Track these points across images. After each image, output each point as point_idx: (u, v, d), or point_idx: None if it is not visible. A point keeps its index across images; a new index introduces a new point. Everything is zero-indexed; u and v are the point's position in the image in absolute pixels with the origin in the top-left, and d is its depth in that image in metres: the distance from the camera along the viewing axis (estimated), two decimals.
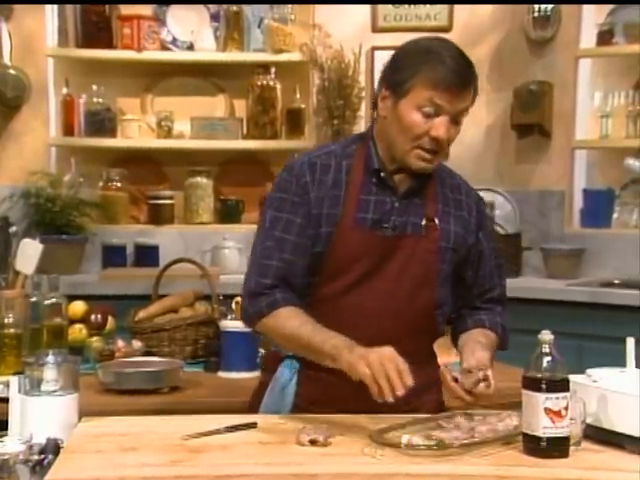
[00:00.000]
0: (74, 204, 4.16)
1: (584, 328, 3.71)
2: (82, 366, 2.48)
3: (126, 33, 4.24)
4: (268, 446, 1.70)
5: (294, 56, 4.33)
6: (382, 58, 4.48)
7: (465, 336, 2.05)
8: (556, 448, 1.61)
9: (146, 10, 4.35)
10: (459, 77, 1.84)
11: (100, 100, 4.29)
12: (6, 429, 1.79)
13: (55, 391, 1.80)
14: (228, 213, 4.43)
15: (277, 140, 4.39)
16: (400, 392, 1.68)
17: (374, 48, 4.43)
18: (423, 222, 1.95)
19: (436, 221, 1.96)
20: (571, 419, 1.63)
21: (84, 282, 3.92)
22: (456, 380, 1.82)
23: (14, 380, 1.84)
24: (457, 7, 4.44)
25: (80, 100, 4.28)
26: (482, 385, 1.82)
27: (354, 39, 4.32)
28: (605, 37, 4.15)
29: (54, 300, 2.67)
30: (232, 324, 2.61)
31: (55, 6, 4.27)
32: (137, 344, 2.74)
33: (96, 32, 4.24)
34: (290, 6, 4.33)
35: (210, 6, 4.41)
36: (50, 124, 4.31)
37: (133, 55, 4.26)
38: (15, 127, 4.28)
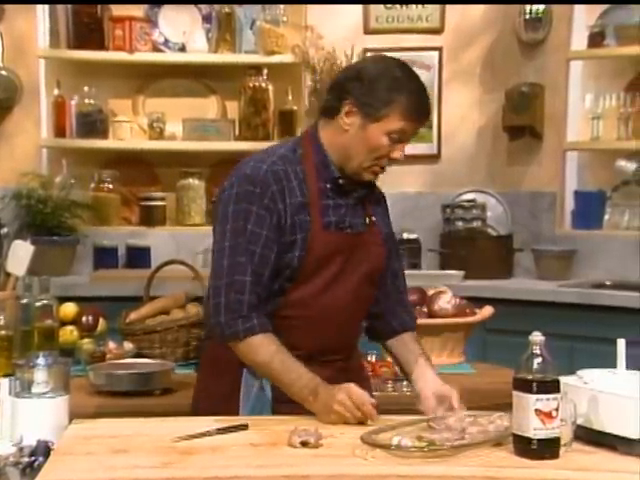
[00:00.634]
0: (65, 205, 4.15)
1: (575, 329, 3.72)
2: (73, 368, 2.48)
3: (118, 34, 4.23)
4: (259, 448, 1.70)
5: (286, 58, 4.34)
6: None
7: (401, 347, 2.15)
8: (547, 449, 1.61)
9: (138, 11, 4.35)
10: (426, 108, 2.00)
11: (92, 101, 4.28)
12: None
13: (46, 393, 1.79)
14: None
15: (269, 142, 4.37)
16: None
17: (366, 50, 4.43)
18: (366, 220, 2.08)
19: (374, 219, 2.10)
20: (562, 420, 1.63)
21: (75, 284, 3.92)
22: None
23: (4, 382, 1.84)
24: (449, 9, 4.45)
25: (72, 101, 4.27)
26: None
27: (346, 41, 4.33)
28: (596, 39, 4.16)
29: (45, 302, 2.66)
30: None
31: (47, 7, 4.27)
32: (128, 346, 2.74)
33: (88, 33, 4.24)
34: (282, 8, 4.34)
35: (202, 7, 4.41)
36: (41, 125, 4.30)
37: (125, 56, 4.26)
38: (6, 128, 4.27)
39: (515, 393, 1.64)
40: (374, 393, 2.18)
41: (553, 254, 4.21)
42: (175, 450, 1.67)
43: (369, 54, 4.41)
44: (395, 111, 1.93)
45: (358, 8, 4.47)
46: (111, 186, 4.36)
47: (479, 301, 3.12)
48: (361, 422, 1.84)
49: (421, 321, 2.75)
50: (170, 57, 4.37)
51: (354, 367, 2.12)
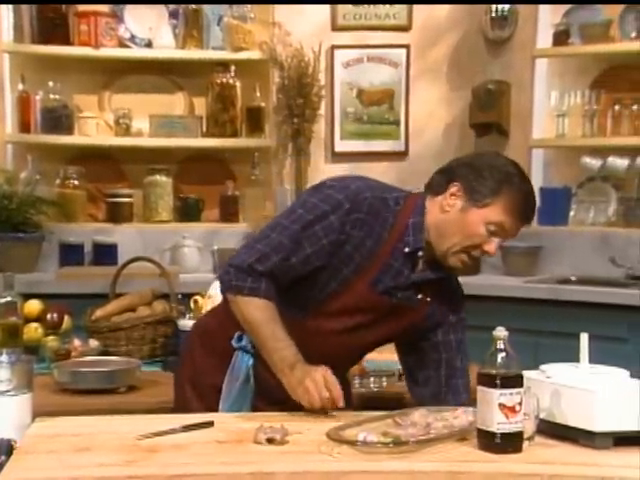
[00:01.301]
0: (31, 202, 4.11)
1: (541, 325, 3.76)
2: (37, 366, 2.47)
3: (83, 29, 4.19)
4: (225, 445, 1.70)
5: (254, 54, 4.33)
6: (342, 56, 4.56)
7: None
8: (510, 443, 1.63)
9: (103, 6, 4.30)
10: (531, 211, 1.99)
11: (57, 97, 4.24)
12: None
13: (8, 391, 1.78)
14: (187, 212, 4.41)
15: (237, 138, 4.38)
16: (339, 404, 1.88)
17: (334, 47, 4.44)
18: (419, 297, 2.04)
19: (428, 300, 2.05)
20: (525, 414, 1.64)
21: (41, 281, 3.88)
22: None
23: None
24: (416, 7, 4.46)
25: (36, 97, 4.23)
26: None
27: (314, 37, 4.33)
28: (561, 37, 4.21)
29: (9, 299, 2.64)
30: (190, 323, 2.59)
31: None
32: (94, 343, 2.72)
33: (52, 28, 4.19)
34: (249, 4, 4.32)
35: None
36: (6, 121, 4.25)
37: (90, 52, 4.22)
38: None
39: (479, 388, 1.65)
40: None
41: (519, 250, 4.24)
42: (139, 448, 1.66)
43: (336, 51, 4.44)
44: (500, 202, 1.92)
45: (326, 5, 4.47)
46: (77, 182, 4.32)
47: None
48: (322, 409, 1.86)
49: None
50: (136, 53, 4.34)
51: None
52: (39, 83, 4.23)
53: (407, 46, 4.47)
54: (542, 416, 1.70)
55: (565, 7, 4.28)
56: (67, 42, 4.23)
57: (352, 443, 1.65)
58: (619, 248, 4.05)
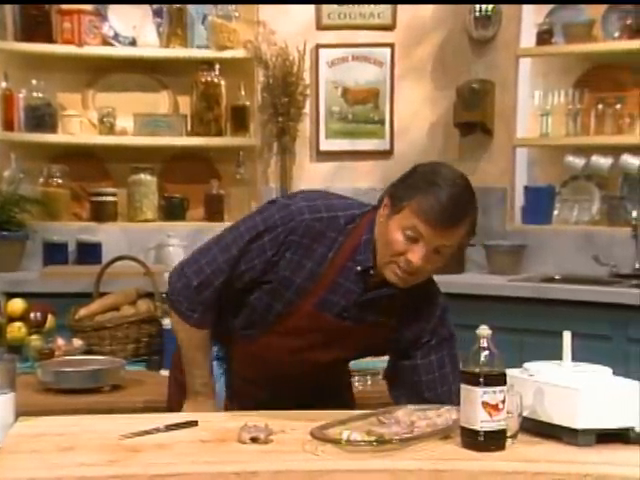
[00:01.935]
0: (14, 200, 4.09)
1: (526, 323, 3.77)
2: (21, 365, 2.45)
3: (66, 27, 4.17)
4: (208, 444, 1.69)
5: (238, 53, 4.32)
6: (327, 55, 4.55)
7: None
8: (493, 441, 1.63)
9: (87, 5, 4.28)
10: (446, 216, 1.84)
11: (40, 95, 4.21)
12: None
13: None
14: (172, 211, 4.40)
15: (222, 137, 4.37)
16: None
17: (319, 46, 4.44)
18: (379, 318, 1.99)
19: (392, 322, 2.00)
20: (508, 412, 1.65)
21: (24, 279, 3.86)
22: None
23: None
24: (400, 6, 4.47)
25: (19, 95, 4.20)
26: None
27: (298, 36, 4.33)
28: (544, 37, 4.22)
29: None
30: None
31: None
32: (78, 342, 2.71)
33: (35, 26, 4.17)
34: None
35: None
36: None
37: (74, 50, 4.20)
38: None
39: (463, 386, 1.66)
40: None
41: (504, 249, 4.25)
42: (122, 447, 1.65)
43: (321, 50, 4.43)
44: (412, 205, 1.84)
45: (310, 4, 4.47)
46: (60, 181, 4.30)
47: None
48: None
49: None
50: (120, 51, 4.32)
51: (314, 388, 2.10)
52: (22, 81, 4.21)
53: (392, 45, 4.47)
54: (525, 414, 1.71)
55: (548, 7, 4.30)
56: (50, 40, 4.21)
57: (336, 442, 1.65)
58: (603, 246, 4.08)
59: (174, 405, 2.11)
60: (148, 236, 4.26)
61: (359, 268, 1.94)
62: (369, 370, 2.54)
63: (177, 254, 4.22)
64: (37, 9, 4.18)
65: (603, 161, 4.20)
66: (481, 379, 1.63)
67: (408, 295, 1.98)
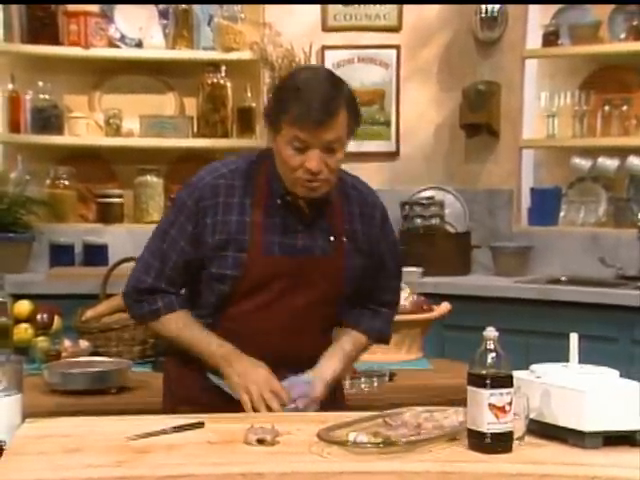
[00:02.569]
0: (21, 202, 4.10)
1: (532, 325, 3.77)
2: (28, 366, 2.46)
3: (73, 29, 4.18)
4: (215, 446, 1.69)
5: (244, 54, 4.33)
6: (332, 57, 4.56)
7: (340, 332, 2.14)
8: (500, 443, 1.63)
9: (93, 6, 4.29)
10: (317, 113, 1.87)
11: (47, 97, 4.23)
12: None
13: None
14: None
15: (228, 139, 4.37)
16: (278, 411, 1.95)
17: (324, 47, 4.44)
18: (331, 241, 2.02)
19: (344, 240, 2.03)
20: (515, 414, 1.65)
21: (31, 281, 3.87)
22: None
23: None
24: (406, 8, 4.47)
25: (26, 96, 4.22)
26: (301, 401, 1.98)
27: (304, 38, 4.33)
28: (550, 38, 4.22)
29: None
30: None
31: None
32: (84, 344, 2.71)
33: (42, 28, 4.18)
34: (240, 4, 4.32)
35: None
36: None
37: (80, 52, 4.21)
38: None
39: (469, 388, 1.65)
40: None
41: (510, 251, 4.25)
42: (130, 449, 1.66)
43: (327, 51, 4.44)
44: (286, 120, 1.89)
45: (316, 6, 4.47)
46: (67, 182, 4.31)
47: (437, 298, 3.14)
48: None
49: (402, 317, 2.77)
50: (126, 53, 4.33)
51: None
52: (29, 83, 4.22)
53: (397, 47, 4.48)
54: (532, 416, 1.71)
55: (554, 8, 4.30)
56: (57, 42, 4.22)
57: (343, 444, 1.65)
58: (609, 248, 4.07)
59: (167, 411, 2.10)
60: None
61: (279, 201, 1.98)
62: (375, 372, 2.54)
63: None
64: (43, 11, 4.19)
65: (609, 163, 4.20)
66: (488, 381, 1.62)
67: (347, 206, 2.03)
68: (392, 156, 4.53)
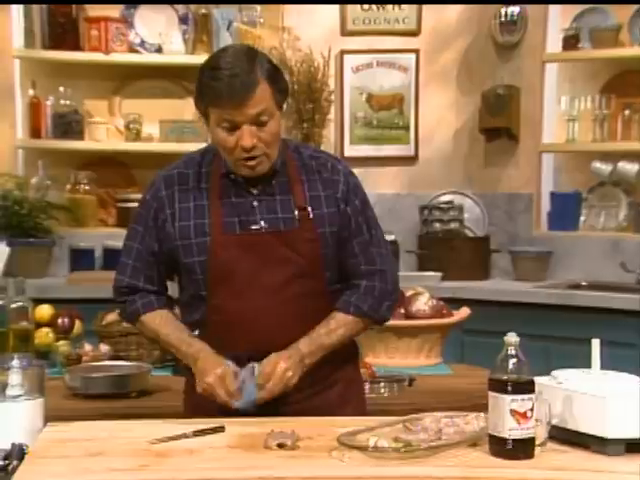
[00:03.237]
0: (42, 207, 4.12)
1: (552, 330, 3.75)
2: (49, 370, 2.47)
3: (93, 35, 4.21)
4: (236, 450, 1.70)
5: None
6: (351, 61, 4.56)
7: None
8: (522, 449, 1.62)
9: (113, 12, 4.33)
10: (234, 89, 1.88)
11: (67, 102, 4.26)
12: None
13: (20, 396, 1.78)
14: None
15: None
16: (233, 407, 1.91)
17: (343, 51, 4.45)
18: (296, 213, 2.00)
19: (308, 209, 2.01)
20: (536, 420, 1.64)
21: (51, 286, 3.89)
22: None
23: None
24: (425, 11, 4.47)
25: (47, 102, 4.25)
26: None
27: (323, 42, 4.34)
28: (571, 42, 4.20)
29: (21, 303, 2.65)
30: None
31: (21, 7, 4.24)
32: (105, 348, 2.73)
33: (63, 34, 4.21)
34: (259, 9, 4.33)
35: (178, 8, 4.40)
36: (17, 126, 4.27)
37: (101, 57, 4.24)
38: None
39: (491, 394, 1.65)
40: None
41: (530, 255, 4.23)
42: (151, 452, 1.66)
43: (346, 56, 4.44)
44: (207, 104, 1.92)
45: (335, 10, 4.48)
46: (87, 187, 4.34)
47: (456, 302, 3.14)
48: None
49: (399, 322, 2.77)
50: (146, 58, 4.36)
51: (317, 371, 2.02)
52: (50, 88, 4.25)
53: (416, 51, 4.48)
54: (554, 422, 1.70)
55: (574, 12, 4.28)
56: (77, 47, 4.25)
57: (363, 448, 1.65)
58: (630, 253, 4.04)
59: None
60: None
61: (228, 181, 1.98)
62: (394, 377, 2.54)
63: None
64: (64, 17, 4.22)
65: (630, 167, 4.18)
66: (509, 387, 1.62)
67: (305, 175, 2.01)
68: (411, 160, 4.53)
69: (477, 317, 3.05)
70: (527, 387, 1.63)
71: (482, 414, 1.75)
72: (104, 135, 4.32)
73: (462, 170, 4.53)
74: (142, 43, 4.37)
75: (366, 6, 4.47)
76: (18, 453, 1.64)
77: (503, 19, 4.32)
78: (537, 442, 1.65)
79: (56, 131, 4.26)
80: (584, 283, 4.07)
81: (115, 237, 4.28)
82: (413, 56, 4.47)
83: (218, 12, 4.38)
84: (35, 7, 4.23)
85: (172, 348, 2.06)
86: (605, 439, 1.65)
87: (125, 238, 2.12)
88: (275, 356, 1.94)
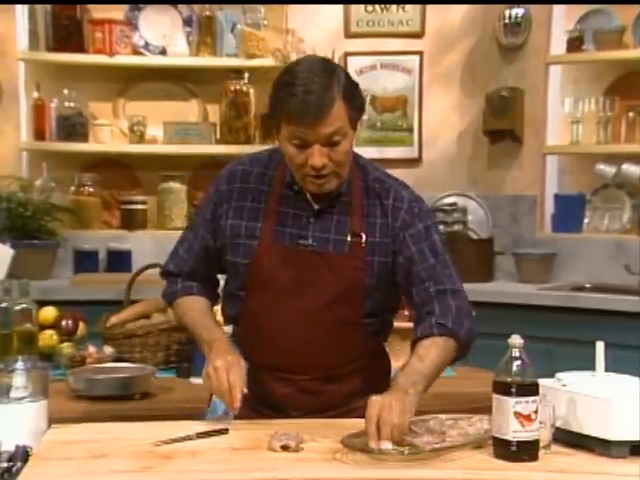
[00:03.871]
0: (46, 209, 4.13)
1: (556, 332, 3.74)
2: (52, 372, 2.47)
3: (98, 37, 4.22)
4: (239, 452, 1.70)
5: (267, 61, 4.33)
6: (355, 63, 4.56)
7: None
8: (526, 452, 1.62)
9: (118, 14, 4.33)
10: (308, 108, 1.82)
11: (72, 104, 4.26)
12: None
13: (24, 398, 1.78)
14: None
15: (251, 145, 4.37)
16: (234, 408, 1.82)
17: (347, 54, 4.45)
18: (348, 239, 1.95)
19: (362, 236, 1.95)
20: (540, 423, 1.64)
21: (55, 287, 3.89)
22: None
23: None
24: (429, 13, 4.46)
25: (51, 104, 4.26)
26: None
27: (327, 44, 4.33)
28: (575, 44, 4.20)
29: (24, 305, 2.64)
30: None
31: (26, 9, 4.24)
32: (108, 350, 2.73)
33: (67, 36, 4.22)
34: (263, 11, 4.34)
35: (182, 10, 4.40)
36: (21, 128, 4.28)
37: (105, 59, 4.24)
38: None
39: (495, 396, 1.65)
40: None
41: (533, 257, 4.23)
42: (155, 454, 1.66)
43: (350, 58, 4.45)
44: (282, 119, 1.86)
45: (339, 12, 4.48)
46: (92, 189, 4.34)
47: None
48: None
49: (401, 324, 2.75)
50: (151, 60, 4.36)
51: (333, 391, 1.98)
52: (54, 91, 4.26)
53: (420, 53, 4.47)
54: (558, 424, 1.70)
55: (579, 13, 4.28)
56: (82, 50, 4.26)
57: (367, 451, 1.65)
58: (634, 255, 4.03)
59: None
60: None
61: (290, 191, 1.95)
62: None
63: None
64: (69, 19, 4.22)
65: (634, 169, 4.17)
66: (513, 389, 1.62)
67: (367, 199, 1.96)
68: (415, 162, 4.53)
69: (481, 319, 2.99)
70: (531, 389, 1.63)
71: (486, 416, 1.75)
72: (108, 137, 4.32)
73: (466, 172, 4.53)
74: (146, 45, 4.38)
75: (370, 8, 4.48)
76: (22, 455, 1.64)
77: (507, 21, 4.31)
78: (541, 444, 1.65)
79: (60, 133, 4.26)
80: (588, 285, 4.06)
81: (119, 239, 4.30)
82: (417, 58, 4.47)
83: (222, 14, 4.39)
84: (39, 9, 4.24)
85: (194, 332, 2.01)
86: (609, 441, 1.65)
87: (186, 226, 2.17)
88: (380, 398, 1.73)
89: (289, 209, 1.97)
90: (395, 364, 2.44)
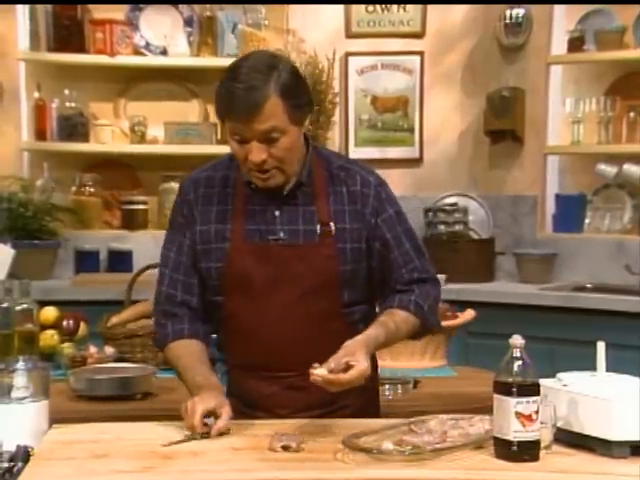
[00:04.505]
0: (47, 209, 4.13)
1: (557, 332, 3.74)
2: (53, 372, 2.47)
3: (98, 37, 4.22)
4: (240, 452, 1.70)
5: None
6: (356, 63, 4.56)
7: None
8: (527, 452, 1.62)
9: (119, 14, 4.33)
10: (241, 105, 1.82)
11: (73, 105, 4.27)
12: None
13: (25, 398, 1.78)
14: None
15: None
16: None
17: (348, 54, 4.45)
18: (317, 228, 1.95)
19: (331, 225, 1.95)
20: (541, 423, 1.64)
21: (56, 288, 3.90)
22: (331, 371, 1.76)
23: None
24: (430, 13, 4.46)
25: (52, 104, 4.26)
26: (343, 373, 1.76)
27: (328, 45, 4.34)
28: (576, 44, 4.20)
29: (25, 306, 2.64)
30: None
31: (27, 9, 4.25)
32: (109, 350, 2.73)
33: (68, 36, 4.22)
34: (264, 11, 4.34)
35: (183, 11, 4.41)
36: (22, 128, 4.28)
37: (106, 60, 4.25)
38: None
39: (495, 396, 1.65)
40: None
41: (534, 257, 4.23)
42: (156, 454, 1.67)
43: (350, 58, 4.45)
44: (220, 113, 1.89)
45: (340, 12, 4.48)
46: (92, 189, 4.34)
47: (461, 304, 3.13)
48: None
49: None
50: (151, 60, 4.36)
51: (319, 386, 1.83)
52: (55, 91, 4.26)
53: (421, 53, 4.47)
54: (559, 425, 1.70)
55: (579, 14, 4.28)
56: (83, 50, 4.26)
57: (368, 451, 1.65)
58: (634, 255, 4.03)
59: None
60: None
61: (249, 190, 1.94)
62: (399, 379, 2.54)
63: None
64: (69, 19, 4.23)
65: (635, 169, 4.17)
66: (514, 389, 1.62)
67: (332, 187, 1.96)
68: (416, 162, 4.53)
69: (482, 319, 3.04)
70: (532, 389, 1.63)
71: (487, 416, 1.75)
72: (109, 137, 4.32)
73: (467, 172, 4.53)
74: (147, 45, 4.38)
75: (370, 8, 4.48)
76: (23, 455, 1.64)
77: (508, 21, 4.31)
78: (542, 445, 1.65)
79: (61, 133, 4.27)
80: (589, 285, 4.06)
81: (120, 239, 4.30)
82: (418, 58, 4.47)
83: (223, 14, 4.39)
84: (40, 9, 4.24)
85: (186, 376, 1.93)
86: (610, 441, 1.65)
87: (162, 247, 2.06)
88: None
89: (254, 207, 1.96)
90: (392, 363, 2.44)
